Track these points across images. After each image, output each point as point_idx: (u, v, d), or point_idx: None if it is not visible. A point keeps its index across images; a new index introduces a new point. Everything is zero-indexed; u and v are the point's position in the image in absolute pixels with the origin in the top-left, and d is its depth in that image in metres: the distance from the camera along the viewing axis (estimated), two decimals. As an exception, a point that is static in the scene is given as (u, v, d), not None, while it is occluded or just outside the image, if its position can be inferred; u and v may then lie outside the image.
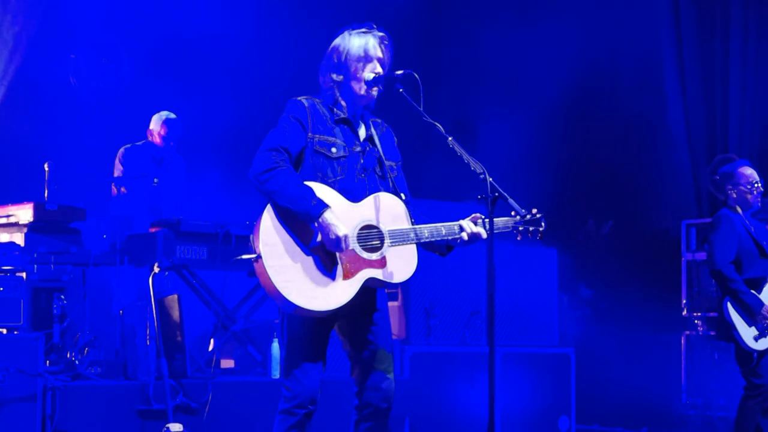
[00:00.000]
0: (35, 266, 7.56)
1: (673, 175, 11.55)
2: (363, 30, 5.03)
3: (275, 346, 7.97)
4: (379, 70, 4.98)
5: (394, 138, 5.23)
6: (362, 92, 4.98)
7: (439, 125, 4.92)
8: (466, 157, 4.84)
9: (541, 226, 5.12)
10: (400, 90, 4.96)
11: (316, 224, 4.72)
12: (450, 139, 4.90)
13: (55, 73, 9.60)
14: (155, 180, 8.29)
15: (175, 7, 9.85)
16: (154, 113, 9.00)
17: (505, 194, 4.76)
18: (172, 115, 8.97)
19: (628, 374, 10.21)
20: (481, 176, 4.75)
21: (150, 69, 9.88)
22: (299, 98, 5.01)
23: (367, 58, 4.97)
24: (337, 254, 4.77)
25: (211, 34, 10.08)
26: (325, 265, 4.77)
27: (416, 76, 4.93)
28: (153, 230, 7.86)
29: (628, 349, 10.31)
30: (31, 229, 7.72)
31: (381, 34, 5.04)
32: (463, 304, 9.27)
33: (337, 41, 5.04)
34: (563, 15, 11.49)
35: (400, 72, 4.97)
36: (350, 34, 5.02)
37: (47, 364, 7.10)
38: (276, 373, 7.93)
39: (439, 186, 9.77)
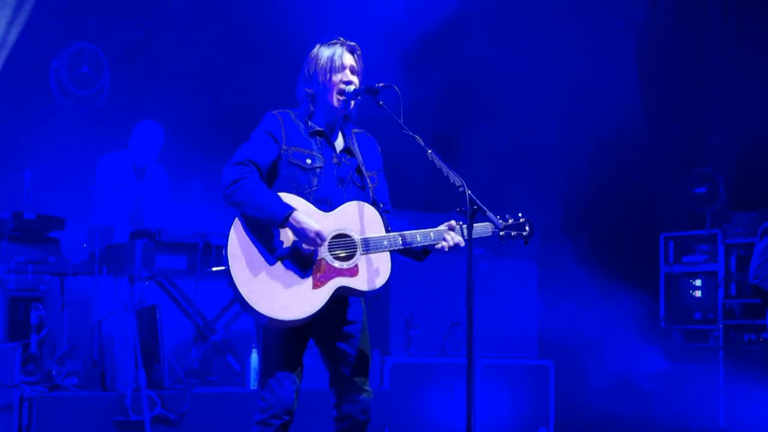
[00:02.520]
0: (13, 275, 7.53)
1: (651, 188, 11.59)
2: (332, 41, 5.06)
3: (254, 356, 7.96)
4: (350, 77, 4.99)
5: (377, 146, 5.23)
6: (336, 103, 4.99)
7: (418, 138, 4.93)
8: (445, 170, 4.85)
9: (525, 230, 5.15)
10: (380, 103, 4.97)
11: (286, 228, 4.72)
12: (429, 151, 4.91)
13: (35, 81, 9.56)
14: (135, 190, 8.28)
15: (157, 15, 9.84)
16: (136, 122, 8.99)
17: (484, 207, 4.77)
18: (155, 125, 8.96)
19: (607, 386, 10.23)
20: (460, 189, 4.76)
21: (132, 77, 9.85)
22: (274, 112, 5.03)
23: (335, 68, 4.97)
24: (314, 261, 4.76)
25: (193, 43, 10.06)
26: (295, 274, 4.76)
27: (396, 88, 4.94)
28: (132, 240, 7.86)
29: (606, 361, 10.32)
30: (9, 238, 7.69)
31: (351, 43, 5.07)
32: (444, 316, 9.29)
33: (310, 54, 5.06)
34: (545, 32, 11.53)
35: (380, 84, 4.98)
36: (320, 47, 5.05)
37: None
38: (254, 384, 7.92)
39: (421, 197, 9.78)
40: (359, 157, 5.07)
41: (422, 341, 9.12)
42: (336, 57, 4.99)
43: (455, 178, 4.81)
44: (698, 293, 11.00)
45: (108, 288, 8.14)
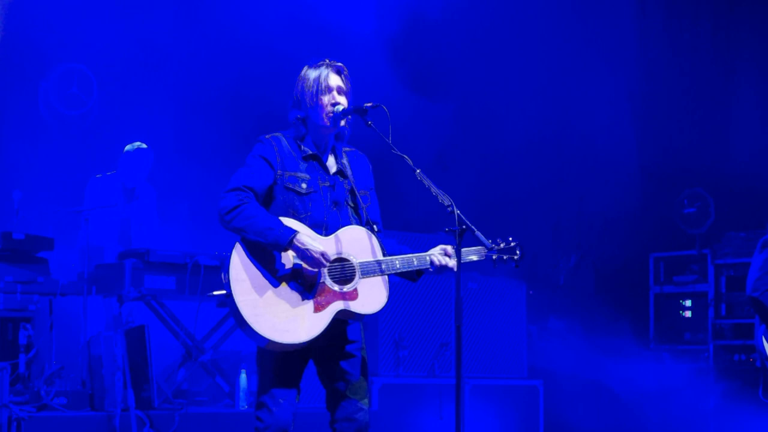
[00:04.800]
0: (1, 295, 7.51)
1: (641, 208, 11.61)
2: (319, 63, 5.06)
3: (243, 377, 7.95)
4: (338, 98, 5.00)
5: (369, 165, 5.24)
6: (326, 123, 5.00)
7: (407, 158, 4.93)
8: (434, 189, 4.86)
9: (516, 254, 5.17)
10: (369, 123, 4.99)
11: (289, 252, 4.74)
12: (418, 171, 4.91)
13: (24, 101, 9.56)
14: (124, 211, 8.28)
15: (147, 36, 9.85)
16: (125, 143, 8.99)
17: (473, 226, 4.78)
18: (144, 146, 8.96)
19: (597, 406, 10.22)
20: (449, 209, 4.77)
21: (120, 99, 9.86)
22: (266, 136, 5.04)
23: (321, 90, 4.98)
24: (318, 282, 4.78)
25: (183, 64, 10.08)
26: (297, 298, 4.78)
27: (385, 108, 4.95)
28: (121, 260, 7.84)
29: (596, 381, 10.32)
30: (-2, 258, 7.68)
31: (338, 64, 5.07)
32: (433, 336, 9.28)
33: (299, 76, 5.07)
34: (536, 51, 11.57)
35: (369, 104, 5.00)
36: (307, 69, 5.06)
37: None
38: (244, 404, 7.90)
39: (410, 217, 9.79)
40: (351, 178, 5.09)
41: (411, 362, 9.11)
42: (322, 78, 5.00)
43: (444, 198, 4.82)
44: (688, 313, 11.01)
45: (97, 308, 8.13)
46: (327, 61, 5.07)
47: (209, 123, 10.15)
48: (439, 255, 5.04)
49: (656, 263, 11.24)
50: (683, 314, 11.04)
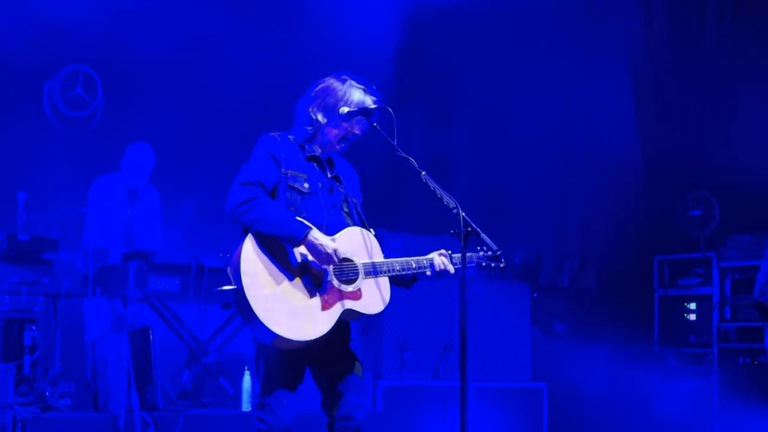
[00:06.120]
0: (6, 297, 7.52)
1: (646, 210, 11.60)
2: (362, 86, 5.05)
3: (247, 378, 7.95)
4: (358, 131, 5.03)
5: (356, 176, 5.28)
6: (338, 145, 5.05)
7: (412, 160, 4.94)
8: (439, 192, 4.87)
9: (501, 262, 5.18)
10: (374, 124, 4.99)
11: (302, 246, 4.75)
12: (423, 173, 4.92)
13: (29, 102, 9.56)
14: (128, 212, 8.27)
15: (150, 37, 9.85)
16: (128, 144, 8.99)
17: (478, 229, 4.79)
18: (147, 146, 8.96)
19: (601, 409, 10.21)
20: (454, 211, 4.78)
21: (124, 99, 9.86)
22: (272, 134, 5.03)
23: (359, 114, 4.99)
24: (326, 280, 4.79)
25: (186, 65, 10.07)
26: (305, 296, 4.79)
27: (390, 110, 4.96)
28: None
29: (600, 384, 10.30)
30: (3, 259, 7.68)
31: (374, 97, 5.07)
32: (437, 338, 9.28)
33: (334, 84, 5.06)
34: (540, 53, 11.57)
35: (374, 106, 5.00)
36: (351, 85, 5.04)
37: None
38: (247, 406, 7.90)
39: (414, 220, 9.78)
40: (345, 184, 5.13)
41: (415, 364, 9.10)
42: (367, 105, 5.00)
43: (449, 200, 4.83)
44: (693, 316, 11.00)
45: (101, 310, 8.13)
46: (368, 88, 5.07)
47: (214, 124, 10.15)
48: (440, 258, 5.06)
49: (661, 266, 11.22)
50: (688, 317, 11.02)
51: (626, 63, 11.94)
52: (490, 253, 5.15)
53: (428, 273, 5.07)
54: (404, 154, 4.95)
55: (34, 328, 7.37)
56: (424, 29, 10.91)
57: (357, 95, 5.02)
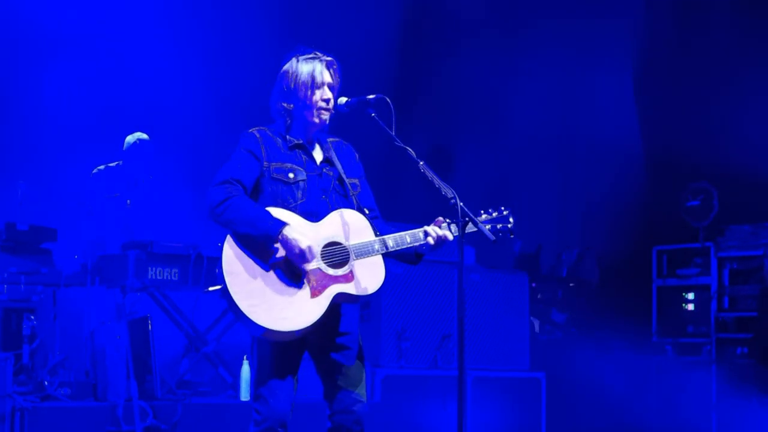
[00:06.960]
0: (5, 286, 7.53)
1: (644, 201, 11.61)
2: (310, 56, 5.02)
3: (245, 368, 7.96)
4: (329, 95, 4.99)
5: (355, 154, 5.22)
6: (315, 120, 5.00)
7: (410, 150, 4.93)
8: (437, 181, 4.86)
9: (509, 222, 5.14)
10: (372, 114, 4.98)
11: (277, 244, 4.73)
12: (421, 163, 4.91)
13: (28, 92, 9.57)
14: (128, 201, 8.27)
15: (151, 27, 9.86)
16: (128, 134, 8.99)
17: (475, 219, 4.80)
18: (145, 136, 8.96)
19: (599, 399, 10.23)
20: (452, 201, 4.77)
21: (124, 90, 9.87)
22: (251, 130, 5.01)
23: (315, 85, 4.97)
24: (305, 273, 4.78)
25: (185, 55, 10.08)
26: (291, 286, 4.77)
27: (388, 100, 4.95)
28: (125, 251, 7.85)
29: (598, 374, 10.33)
30: (2, 248, 7.69)
31: (329, 58, 5.03)
32: (435, 328, 9.29)
33: (285, 68, 5.03)
34: (541, 47, 11.57)
35: (372, 96, 4.99)
36: (297, 60, 5.01)
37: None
38: (246, 396, 7.92)
39: (412, 209, 9.79)
40: (339, 166, 5.08)
41: (413, 353, 9.11)
42: (316, 74, 4.97)
43: (447, 190, 4.82)
44: (691, 306, 11.01)
45: (100, 299, 8.14)
46: (318, 54, 5.04)
47: (212, 114, 10.15)
48: (434, 227, 5.00)
49: (659, 256, 11.23)
50: (686, 307, 11.04)
51: (627, 54, 11.94)
52: (495, 214, 5.11)
53: (431, 241, 4.96)
54: (402, 144, 4.95)
55: (33, 317, 7.38)
56: (426, 19, 10.91)
57: (304, 68, 4.98)
